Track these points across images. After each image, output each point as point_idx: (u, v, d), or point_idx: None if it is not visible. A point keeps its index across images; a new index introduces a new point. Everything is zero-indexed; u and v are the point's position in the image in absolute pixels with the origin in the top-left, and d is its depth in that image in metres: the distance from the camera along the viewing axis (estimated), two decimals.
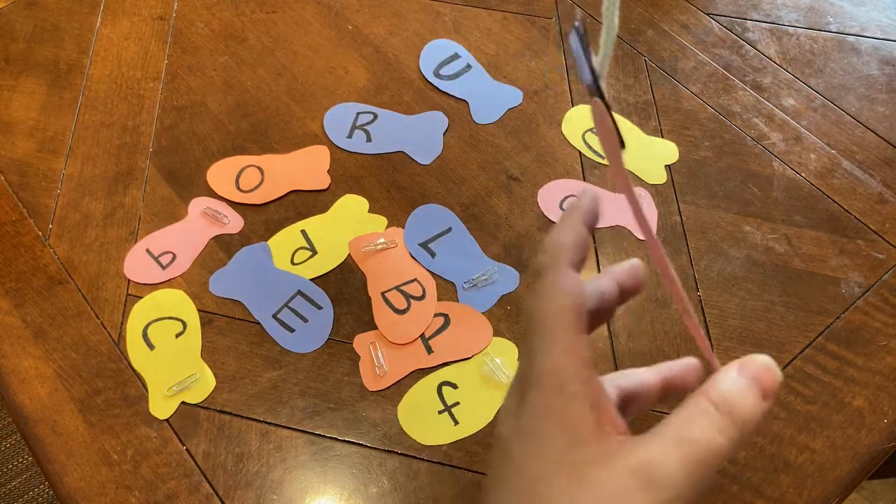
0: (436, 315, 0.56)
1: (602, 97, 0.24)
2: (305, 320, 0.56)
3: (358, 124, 0.66)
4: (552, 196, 0.62)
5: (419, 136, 0.65)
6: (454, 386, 0.54)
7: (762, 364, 0.26)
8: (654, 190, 0.63)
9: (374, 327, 0.56)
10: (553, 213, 0.61)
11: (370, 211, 0.61)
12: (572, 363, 0.26)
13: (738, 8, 0.75)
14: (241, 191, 0.62)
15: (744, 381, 0.25)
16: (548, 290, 0.27)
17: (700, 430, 0.24)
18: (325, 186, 0.62)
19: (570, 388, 0.26)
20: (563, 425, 0.26)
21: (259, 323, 0.56)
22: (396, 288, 0.57)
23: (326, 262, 0.59)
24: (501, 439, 0.28)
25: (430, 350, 0.55)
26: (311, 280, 0.58)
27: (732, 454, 0.51)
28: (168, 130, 0.65)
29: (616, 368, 0.54)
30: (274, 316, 0.56)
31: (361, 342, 0.55)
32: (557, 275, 0.27)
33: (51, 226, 0.60)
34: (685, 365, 0.33)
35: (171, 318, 0.56)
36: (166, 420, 0.52)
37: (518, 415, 0.27)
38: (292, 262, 0.58)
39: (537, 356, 0.27)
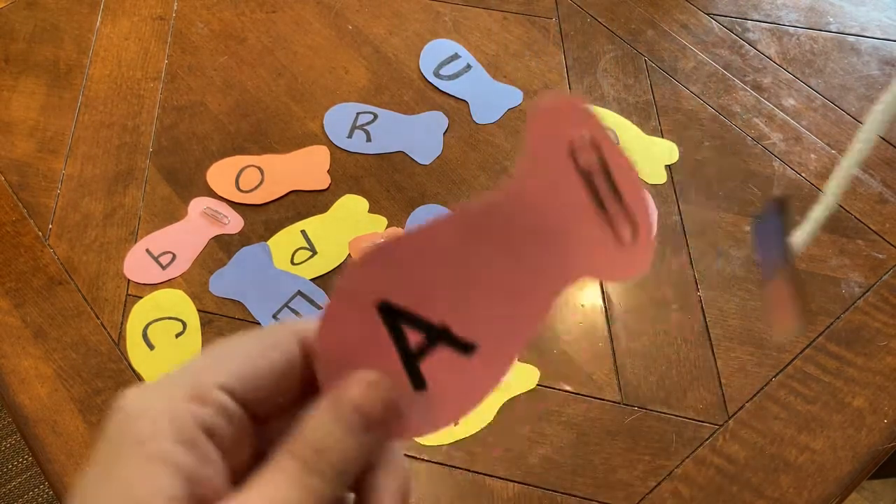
0: None
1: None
2: None
3: (358, 124, 0.66)
4: None
5: (419, 136, 0.65)
6: None
7: (358, 383, 0.21)
8: (654, 190, 0.63)
9: None
10: None
11: (370, 211, 0.61)
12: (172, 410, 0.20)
13: (738, 8, 0.75)
14: (241, 191, 0.62)
15: (329, 416, 0.21)
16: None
17: (281, 492, 0.19)
18: (325, 186, 0.62)
19: (153, 445, 0.19)
20: (126, 497, 0.19)
21: (259, 323, 0.56)
22: None
23: (326, 262, 0.58)
24: None
25: None
26: (311, 280, 0.58)
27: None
28: (168, 130, 0.65)
29: (616, 369, 0.55)
30: (274, 316, 0.56)
31: None
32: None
33: (51, 226, 0.60)
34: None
35: (171, 318, 0.56)
36: None
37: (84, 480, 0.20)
38: (292, 263, 0.58)
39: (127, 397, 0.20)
